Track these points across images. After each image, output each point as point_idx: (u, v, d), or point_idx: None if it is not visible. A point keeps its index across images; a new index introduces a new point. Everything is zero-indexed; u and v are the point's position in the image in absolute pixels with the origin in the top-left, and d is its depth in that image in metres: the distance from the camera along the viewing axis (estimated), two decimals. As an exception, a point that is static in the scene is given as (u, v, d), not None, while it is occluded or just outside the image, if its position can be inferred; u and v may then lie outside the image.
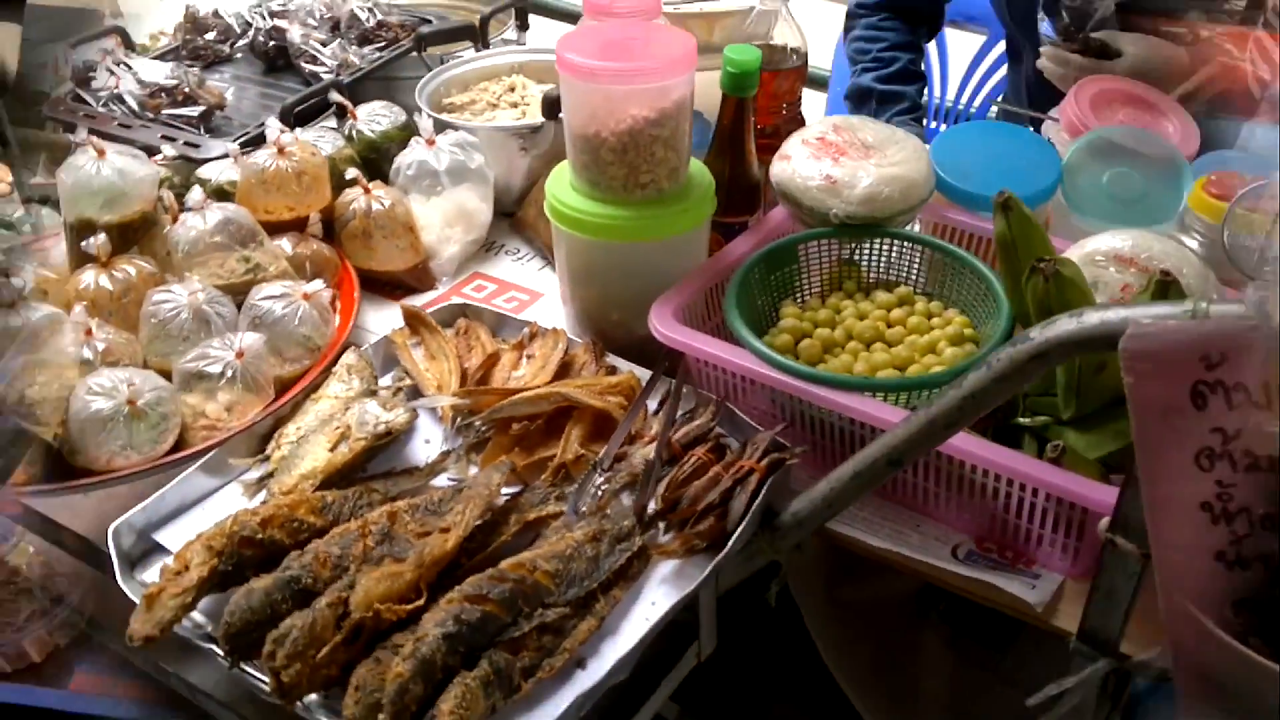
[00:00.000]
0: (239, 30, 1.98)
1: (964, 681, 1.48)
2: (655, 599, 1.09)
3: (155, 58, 1.91)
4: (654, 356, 1.38)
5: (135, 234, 1.42)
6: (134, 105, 1.74)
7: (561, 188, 1.35)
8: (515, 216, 1.73)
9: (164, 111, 1.73)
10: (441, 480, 1.24)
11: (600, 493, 1.19)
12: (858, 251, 1.40)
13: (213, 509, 1.20)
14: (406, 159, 1.61)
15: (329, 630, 0.97)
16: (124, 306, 1.35)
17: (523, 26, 2.10)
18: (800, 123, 1.62)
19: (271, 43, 1.92)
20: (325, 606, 0.98)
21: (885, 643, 1.49)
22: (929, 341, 1.28)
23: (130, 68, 1.78)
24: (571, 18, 2.79)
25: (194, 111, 1.73)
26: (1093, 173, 1.48)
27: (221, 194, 1.53)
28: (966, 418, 0.93)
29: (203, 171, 1.58)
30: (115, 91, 1.75)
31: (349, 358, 1.34)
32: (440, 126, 1.65)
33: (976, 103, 2.54)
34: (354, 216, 1.53)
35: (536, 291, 1.61)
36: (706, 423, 1.24)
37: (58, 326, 1.22)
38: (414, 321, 1.42)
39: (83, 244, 1.35)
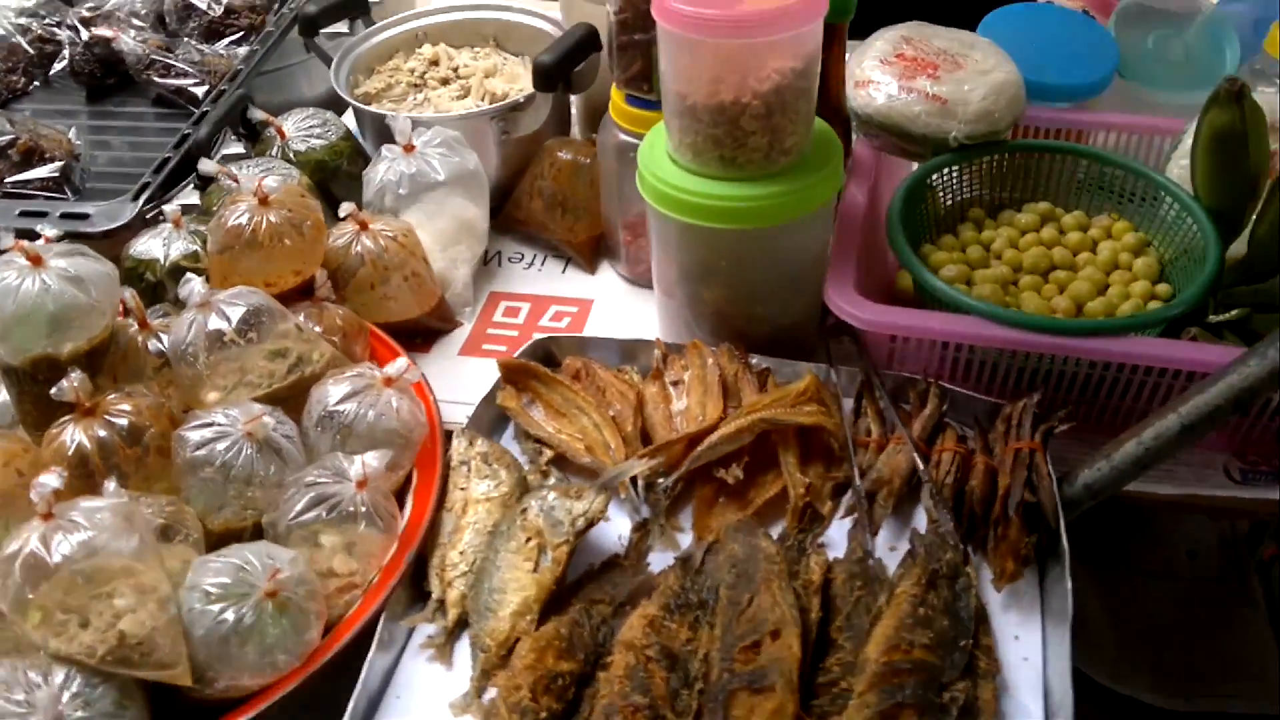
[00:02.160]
0: (30, 51, 1.49)
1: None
2: (1018, 633, 0.92)
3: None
4: (796, 347, 1.18)
5: (102, 360, 1.02)
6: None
7: (674, 175, 1.09)
8: (504, 214, 1.43)
9: (6, 180, 1.27)
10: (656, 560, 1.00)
11: (867, 524, 1.00)
12: (978, 173, 1.25)
13: (417, 698, 0.90)
14: (384, 173, 1.27)
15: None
16: (142, 462, 0.97)
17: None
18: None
19: (94, 59, 1.46)
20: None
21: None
22: (1107, 259, 1.17)
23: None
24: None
25: (45, 172, 1.28)
26: (1136, 40, 1.41)
27: (177, 273, 1.13)
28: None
29: (136, 251, 1.16)
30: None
31: (478, 445, 1.04)
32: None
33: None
34: (360, 263, 1.18)
35: (583, 299, 1.34)
36: (937, 409, 1.07)
37: (116, 516, 0.84)
38: (519, 377, 1.12)
39: (53, 391, 0.94)
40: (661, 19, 1.02)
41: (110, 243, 1.21)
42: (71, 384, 0.95)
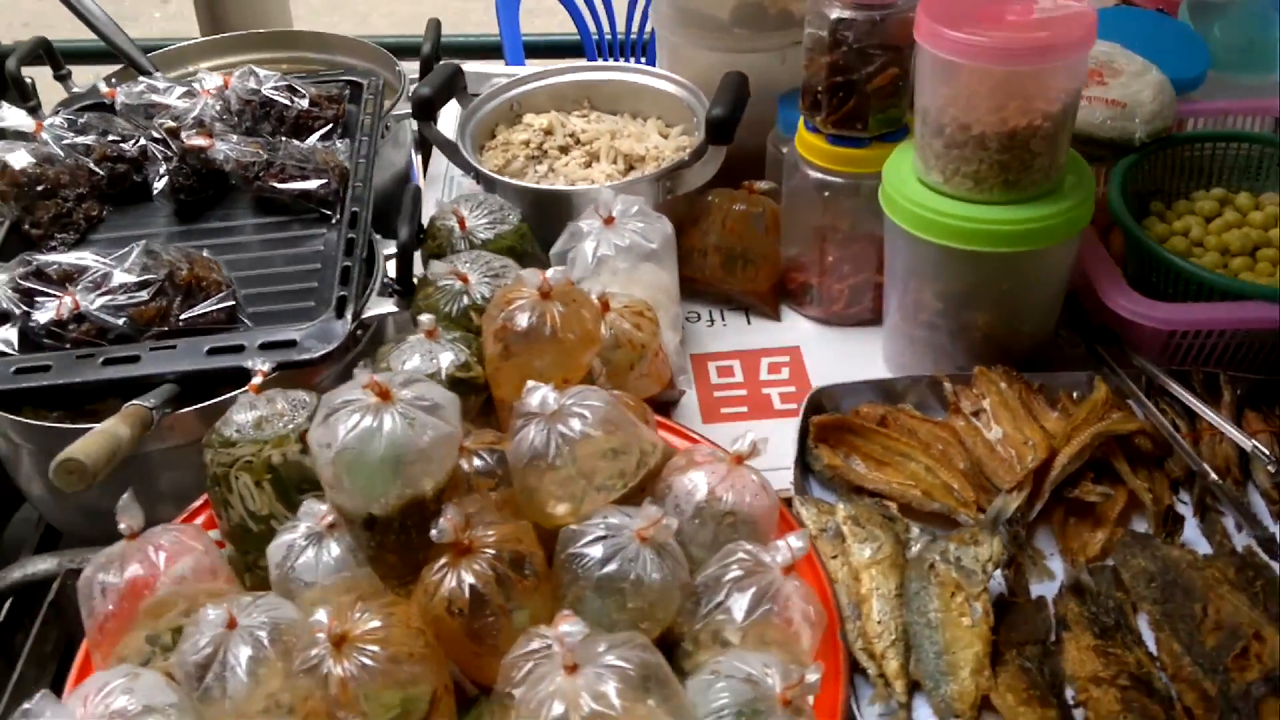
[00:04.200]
0: (100, 173, 1.31)
1: None
2: None
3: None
4: (1041, 359, 1.20)
5: (444, 493, 0.90)
6: (111, 321, 1.09)
7: (950, 206, 1.08)
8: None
9: (180, 318, 1.11)
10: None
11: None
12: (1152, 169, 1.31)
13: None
14: (596, 249, 1.19)
15: None
16: (537, 591, 0.87)
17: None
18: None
19: (190, 171, 1.30)
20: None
21: None
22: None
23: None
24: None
25: (215, 304, 1.12)
26: (1206, 31, 1.52)
27: (455, 385, 1.02)
28: None
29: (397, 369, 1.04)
30: (56, 319, 1.09)
31: (842, 510, 1.00)
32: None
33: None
34: (616, 344, 1.11)
35: (788, 347, 1.31)
36: (1234, 396, 1.12)
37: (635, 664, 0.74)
38: (831, 433, 1.08)
39: (433, 534, 0.83)
40: (953, 54, 1.02)
41: (315, 369, 1.09)
42: (451, 522, 0.84)
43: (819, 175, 1.24)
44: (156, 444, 1.05)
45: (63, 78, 1.61)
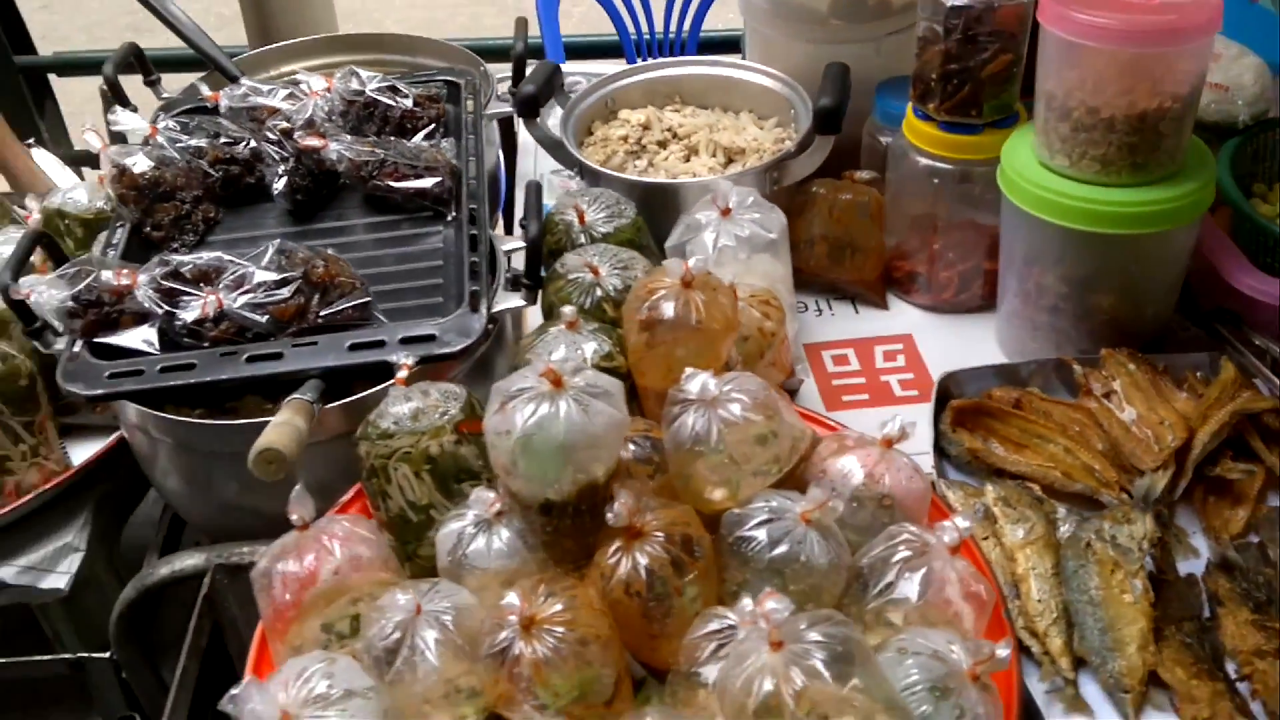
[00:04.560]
0: (214, 175, 1.32)
1: None
2: None
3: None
4: (1157, 341, 1.21)
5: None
6: (254, 318, 1.10)
7: (1078, 189, 1.10)
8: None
9: (319, 316, 1.12)
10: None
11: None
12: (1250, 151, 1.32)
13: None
14: (716, 240, 1.20)
15: None
16: (708, 574, 0.88)
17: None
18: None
19: (305, 172, 1.31)
20: None
21: None
22: None
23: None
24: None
25: (353, 301, 1.14)
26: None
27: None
28: None
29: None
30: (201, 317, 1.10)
31: (990, 492, 1.01)
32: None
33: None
34: (750, 333, 1.12)
35: (900, 335, 1.32)
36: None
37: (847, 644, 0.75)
38: (969, 417, 1.10)
39: (609, 517, 0.85)
40: (1081, 36, 1.04)
41: (447, 364, 1.10)
42: (626, 506, 0.85)
43: (930, 162, 1.26)
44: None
45: (152, 83, 1.63)
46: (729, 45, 2.29)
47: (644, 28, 2.43)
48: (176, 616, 1.33)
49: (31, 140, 1.81)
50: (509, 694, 0.82)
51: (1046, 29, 1.07)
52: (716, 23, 2.47)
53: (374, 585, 0.92)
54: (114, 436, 1.32)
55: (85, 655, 1.31)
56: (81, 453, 1.33)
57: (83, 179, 1.71)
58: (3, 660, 1.34)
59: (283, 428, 0.93)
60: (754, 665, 0.74)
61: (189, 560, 1.10)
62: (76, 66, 2.71)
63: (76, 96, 2.61)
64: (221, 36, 1.71)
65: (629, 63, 1.94)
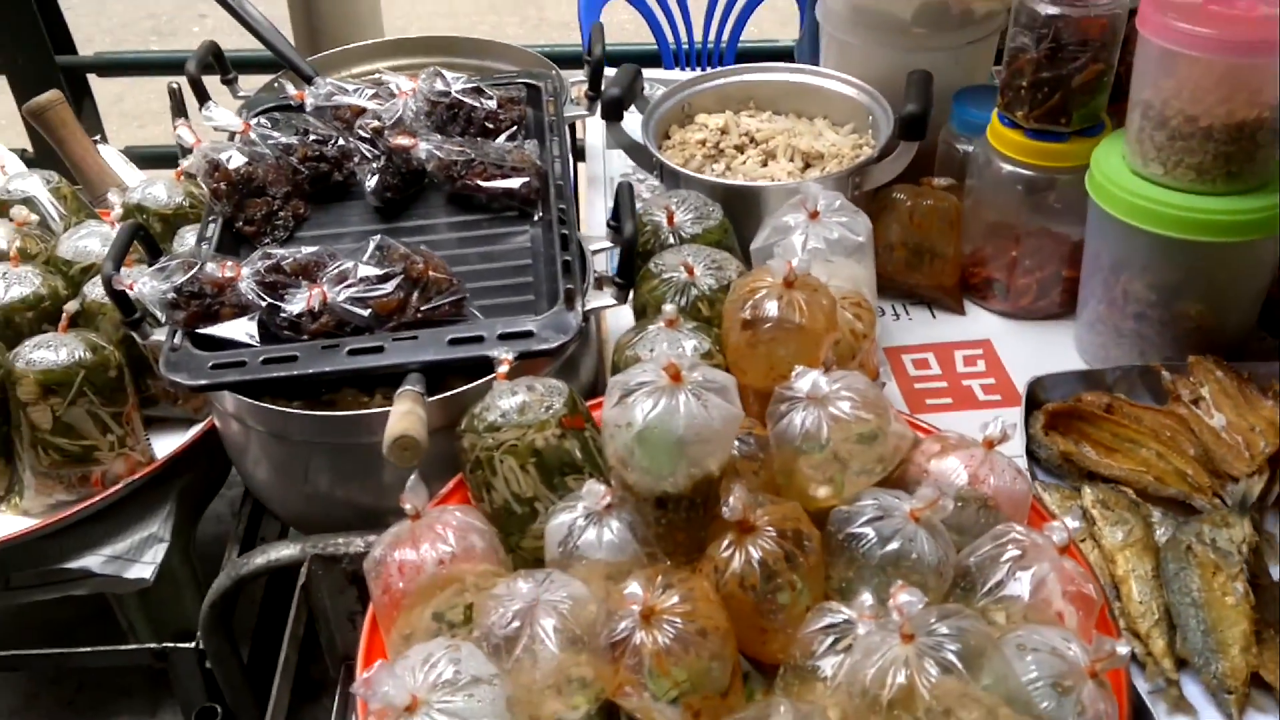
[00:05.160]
0: (304, 172, 1.34)
1: None
2: None
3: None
4: (1238, 350, 1.21)
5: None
6: (357, 312, 1.12)
7: (1173, 198, 1.11)
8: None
9: (419, 311, 1.14)
10: None
11: None
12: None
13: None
14: (806, 242, 1.21)
15: None
16: (817, 569, 0.89)
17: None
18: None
19: (395, 170, 1.33)
20: None
21: None
22: None
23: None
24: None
25: (450, 298, 1.15)
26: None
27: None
28: None
29: (635, 350, 1.06)
30: (307, 310, 1.12)
31: (1088, 494, 1.02)
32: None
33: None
34: (843, 335, 1.13)
35: (979, 340, 1.33)
36: None
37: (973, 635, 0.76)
38: (1061, 420, 1.10)
39: (725, 511, 0.86)
40: (1181, 45, 1.05)
41: (539, 361, 1.11)
42: (741, 500, 0.86)
43: (1014, 169, 1.27)
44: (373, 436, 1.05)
45: (229, 82, 1.65)
46: (768, 55, 2.30)
47: (683, 37, 2.45)
48: (242, 609, 1.35)
49: (97, 137, 1.84)
50: (624, 683, 0.83)
51: (1146, 38, 1.08)
52: (755, 32, 2.49)
53: (480, 575, 0.94)
54: (197, 429, 1.34)
55: (170, 645, 1.32)
56: (160, 444, 1.35)
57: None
58: (86, 649, 1.36)
59: (409, 416, 0.94)
60: (886, 657, 0.75)
61: (285, 550, 1.11)
62: (117, 67, 2.75)
63: (102, 100, 2.63)
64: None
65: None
